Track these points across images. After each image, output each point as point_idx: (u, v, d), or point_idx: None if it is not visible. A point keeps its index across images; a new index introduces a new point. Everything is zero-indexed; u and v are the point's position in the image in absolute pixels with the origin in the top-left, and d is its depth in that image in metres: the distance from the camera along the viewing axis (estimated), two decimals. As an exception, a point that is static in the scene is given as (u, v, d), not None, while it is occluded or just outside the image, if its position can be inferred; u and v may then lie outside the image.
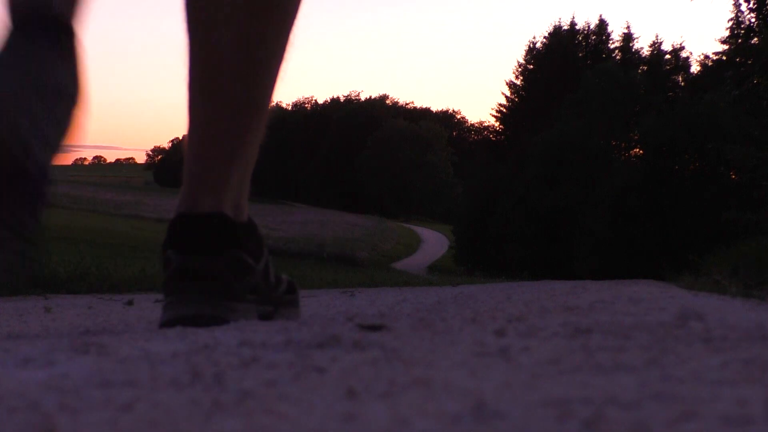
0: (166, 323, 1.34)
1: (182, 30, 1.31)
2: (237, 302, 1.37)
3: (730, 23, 20.69)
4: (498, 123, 40.38)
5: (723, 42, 22.44)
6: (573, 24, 35.11)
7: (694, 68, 29.57)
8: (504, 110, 38.94)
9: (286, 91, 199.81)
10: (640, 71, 28.59)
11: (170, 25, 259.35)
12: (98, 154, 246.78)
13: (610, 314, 1.25)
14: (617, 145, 27.93)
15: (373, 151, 65.59)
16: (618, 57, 29.13)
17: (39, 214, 1.29)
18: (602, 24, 33.52)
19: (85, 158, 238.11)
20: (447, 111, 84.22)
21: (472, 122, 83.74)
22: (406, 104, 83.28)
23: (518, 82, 37.10)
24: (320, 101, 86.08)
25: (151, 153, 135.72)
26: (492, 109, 64.99)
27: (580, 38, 35.09)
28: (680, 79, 29.53)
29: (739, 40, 19.31)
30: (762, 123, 11.33)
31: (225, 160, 1.38)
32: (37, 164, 1.24)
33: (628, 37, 29.91)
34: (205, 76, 1.35)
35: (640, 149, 27.28)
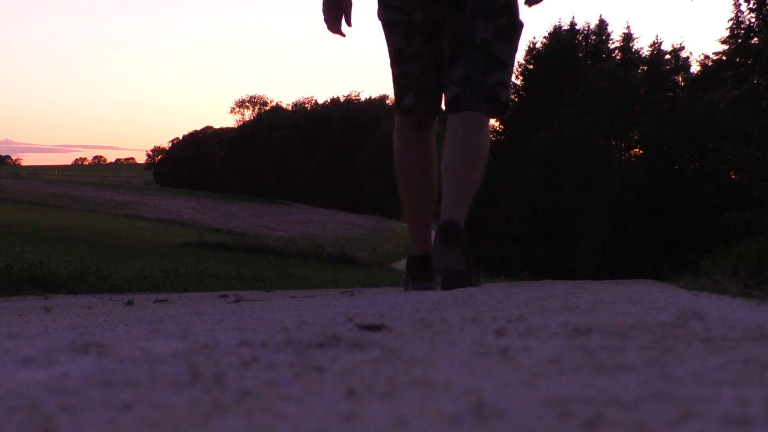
0: (444, 272, 2.58)
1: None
2: (470, 265, 2.58)
3: (730, 23, 20.70)
4: (498, 123, 40.40)
5: (723, 42, 22.45)
6: (573, 24, 35.13)
7: (694, 68, 29.62)
8: (504, 110, 38.73)
9: (286, 91, 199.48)
10: (640, 71, 28.60)
11: (170, 25, 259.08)
12: (98, 154, 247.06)
13: (610, 314, 1.25)
14: (617, 145, 27.93)
15: (373, 151, 65.57)
16: (618, 57, 29.13)
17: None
18: (602, 24, 33.53)
19: (85, 158, 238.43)
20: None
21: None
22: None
23: (518, 82, 37.14)
24: (320, 101, 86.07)
25: (151, 153, 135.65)
26: (492, 109, 64.52)
27: (580, 38, 35.11)
28: (680, 79, 29.56)
29: (739, 40, 19.31)
30: (762, 123, 11.34)
31: (466, 204, 2.71)
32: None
33: (628, 37, 29.92)
34: (467, 187, 2.71)
35: (640, 149, 27.29)
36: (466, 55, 2.53)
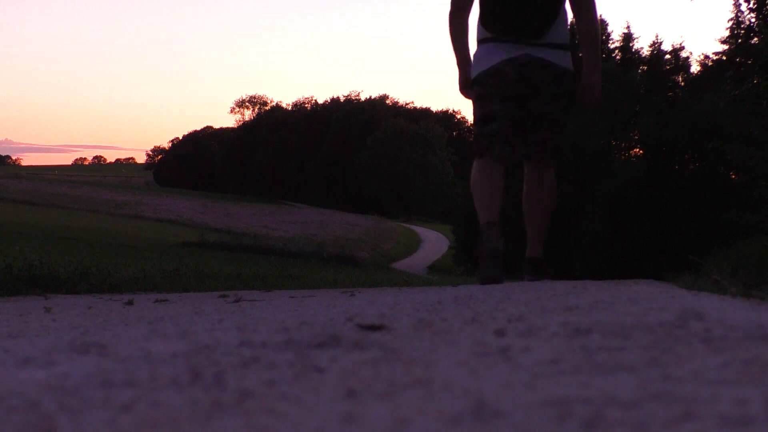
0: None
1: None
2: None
3: (730, 23, 20.68)
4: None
5: (723, 42, 22.43)
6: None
7: (694, 68, 29.57)
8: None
9: (286, 91, 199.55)
10: (640, 71, 28.56)
11: (171, 25, 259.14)
12: (98, 154, 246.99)
13: (610, 314, 1.25)
14: (617, 145, 27.91)
15: (373, 151, 65.58)
16: (618, 57, 29.10)
17: None
18: (602, 24, 33.54)
19: (85, 158, 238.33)
20: (447, 111, 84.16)
21: (472, 122, 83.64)
22: (406, 104, 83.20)
23: (518, 82, 37.05)
24: (320, 101, 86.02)
25: (151, 153, 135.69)
26: (492, 109, 64.43)
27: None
28: (680, 79, 29.54)
29: (739, 40, 19.30)
30: (762, 123, 11.33)
31: (543, 240, 3.85)
32: None
33: (628, 37, 29.87)
34: (543, 230, 3.92)
35: (640, 149, 27.26)
36: (542, 126, 3.64)
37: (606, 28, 29.94)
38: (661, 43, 29.42)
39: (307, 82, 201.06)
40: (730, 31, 20.85)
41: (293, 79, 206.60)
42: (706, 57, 28.17)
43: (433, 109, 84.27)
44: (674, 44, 32.90)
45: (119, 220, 37.10)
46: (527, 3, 3.50)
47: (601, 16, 33.52)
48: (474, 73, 3.64)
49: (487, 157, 3.62)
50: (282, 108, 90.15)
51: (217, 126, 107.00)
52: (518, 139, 3.64)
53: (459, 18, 3.70)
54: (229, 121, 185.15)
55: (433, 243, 46.09)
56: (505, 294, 2.01)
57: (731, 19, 20.37)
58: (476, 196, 3.63)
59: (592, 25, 3.70)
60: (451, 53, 3.88)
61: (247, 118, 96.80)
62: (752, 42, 16.42)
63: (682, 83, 29.40)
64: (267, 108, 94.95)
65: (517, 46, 3.51)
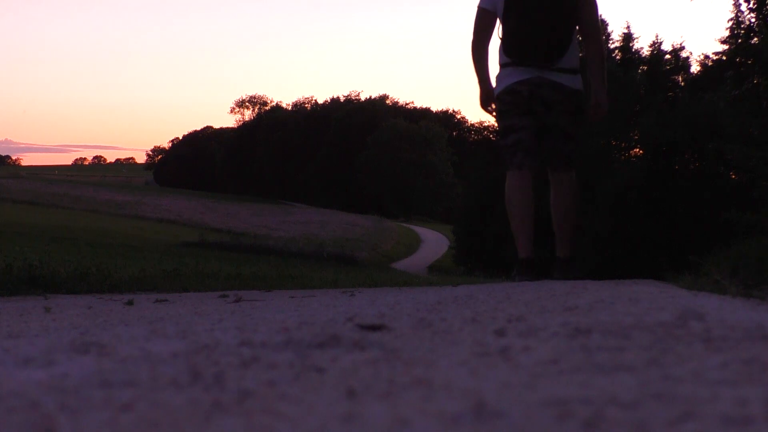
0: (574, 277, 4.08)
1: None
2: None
3: (730, 23, 20.68)
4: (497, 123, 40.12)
5: (723, 42, 22.42)
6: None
7: (694, 68, 29.52)
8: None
9: (286, 91, 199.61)
10: (640, 71, 28.54)
11: (170, 25, 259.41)
12: (98, 154, 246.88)
13: (610, 314, 1.25)
14: (617, 145, 27.89)
15: (373, 151, 65.60)
16: (618, 57, 29.06)
17: None
18: (602, 24, 33.55)
19: (85, 158, 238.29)
20: (447, 111, 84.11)
21: (472, 122, 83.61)
22: (406, 104, 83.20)
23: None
24: (320, 101, 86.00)
25: (151, 153, 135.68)
26: (492, 109, 64.61)
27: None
28: (680, 79, 29.50)
29: (739, 40, 19.30)
30: (762, 123, 11.32)
31: (571, 240, 4.22)
32: None
33: (628, 37, 29.83)
34: (571, 231, 4.27)
35: (640, 149, 27.23)
36: (554, 137, 4.16)
37: (606, 28, 29.90)
38: (661, 43, 29.36)
39: (307, 82, 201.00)
40: (730, 31, 20.85)
41: (293, 79, 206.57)
42: (706, 57, 28.15)
43: (433, 109, 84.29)
44: (674, 44, 32.86)
45: (119, 220, 37.10)
46: (543, 35, 4.08)
47: (601, 15, 33.54)
48: (495, 92, 4.23)
49: (514, 167, 4.15)
50: (282, 108, 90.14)
51: (217, 126, 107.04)
52: (537, 147, 4.19)
53: (480, 47, 4.28)
54: (229, 121, 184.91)
55: (433, 243, 46.09)
56: (505, 294, 2.01)
57: (731, 19, 20.37)
58: (512, 218, 4.15)
59: (599, 54, 4.30)
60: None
61: (247, 118, 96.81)
62: (752, 42, 16.42)
63: (682, 83, 29.37)
64: (267, 108, 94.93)
65: (532, 70, 4.11)
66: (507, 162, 4.21)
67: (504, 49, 4.17)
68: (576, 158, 4.35)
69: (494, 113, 4.35)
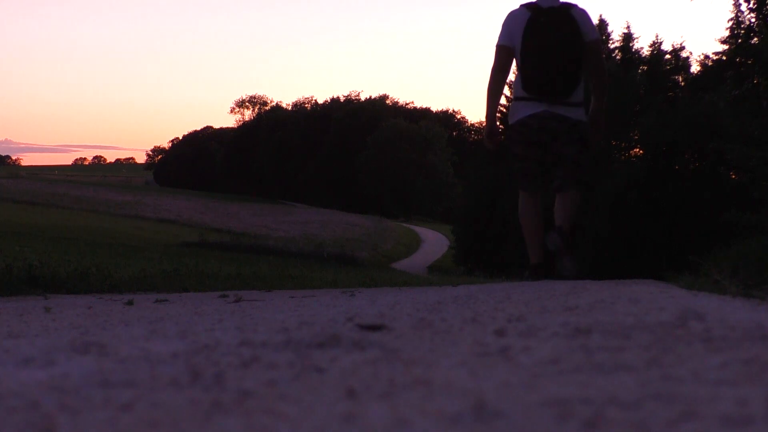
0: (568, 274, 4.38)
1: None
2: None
3: (730, 23, 20.70)
4: (498, 123, 40.10)
5: (723, 42, 22.44)
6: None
7: (694, 68, 29.51)
8: (504, 110, 38.78)
9: (286, 91, 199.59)
10: (640, 71, 28.53)
11: (170, 25, 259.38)
12: (98, 154, 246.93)
13: (610, 314, 1.25)
14: (617, 145, 27.89)
15: (373, 151, 65.58)
16: (618, 57, 29.05)
17: None
18: (602, 24, 33.51)
19: (85, 158, 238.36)
20: (447, 111, 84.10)
21: (472, 122, 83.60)
22: (406, 104, 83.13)
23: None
24: (320, 101, 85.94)
25: (151, 153, 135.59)
26: (492, 109, 64.71)
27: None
28: (680, 79, 29.50)
29: (739, 40, 19.31)
30: (762, 123, 11.32)
31: (569, 220, 4.52)
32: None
33: (628, 37, 29.83)
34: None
35: (640, 149, 27.23)
36: (563, 164, 4.51)
37: (606, 28, 29.93)
38: (661, 43, 29.36)
39: (307, 82, 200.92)
40: (730, 31, 20.86)
41: (293, 79, 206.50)
42: (706, 57, 28.14)
43: (433, 109, 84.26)
44: (674, 44, 32.83)
45: (119, 220, 37.10)
46: (559, 74, 4.46)
47: (601, 15, 33.46)
48: (510, 122, 4.64)
49: (523, 190, 4.69)
50: (282, 108, 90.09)
51: (217, 126, 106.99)
52: (541, 174, 4.65)
53: (500, 84, 4.63)
54: (229, 121, 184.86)
55: (433, 243, 46.08)
56: (505, 294, 2.01)
57: (731, 19, 20.39)
58: (524, 229, 4.71)
59: (603, 84, 4.74)
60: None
61: (247, 118, 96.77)
62: (752, 42, 16.43)
63: (682, 83, 29.37)
64: (267, 108, 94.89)
65: (543, 105, 4.49)
66: (518, 184, 4.74)
67: (524, 86, 4.52)
68: (583, 183, 4.71)
69: (497, 147, 4.81)
